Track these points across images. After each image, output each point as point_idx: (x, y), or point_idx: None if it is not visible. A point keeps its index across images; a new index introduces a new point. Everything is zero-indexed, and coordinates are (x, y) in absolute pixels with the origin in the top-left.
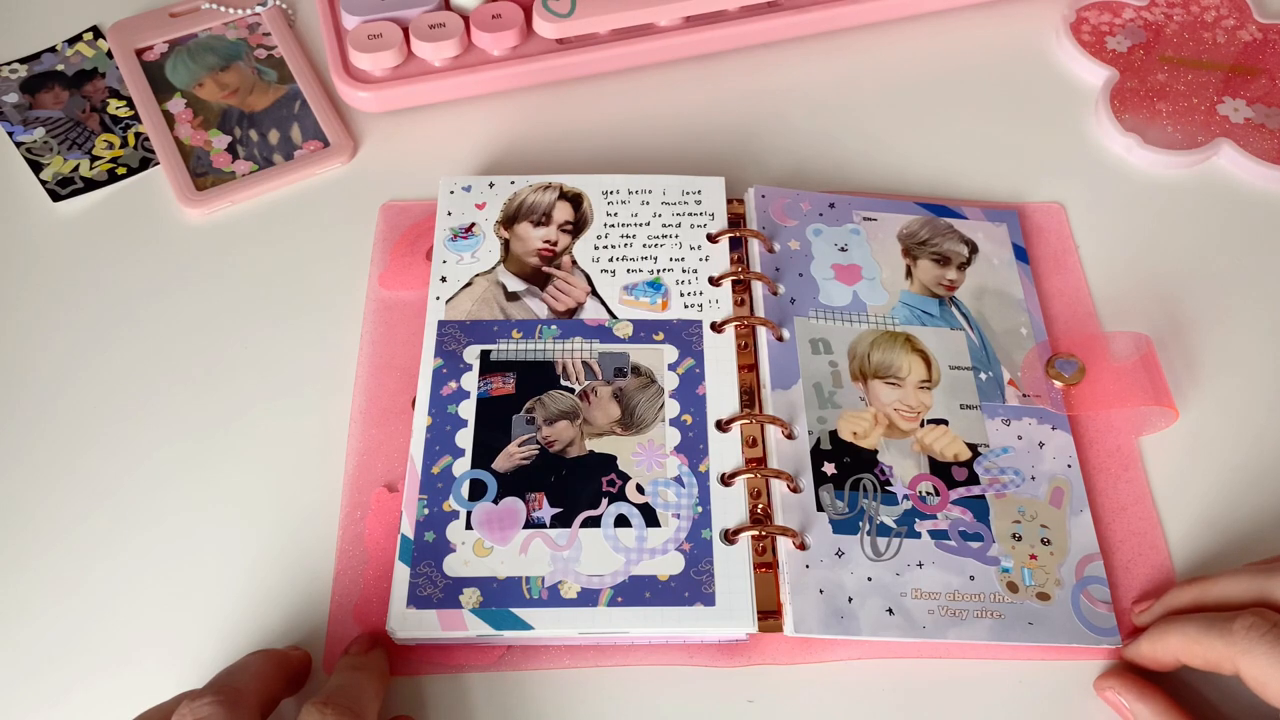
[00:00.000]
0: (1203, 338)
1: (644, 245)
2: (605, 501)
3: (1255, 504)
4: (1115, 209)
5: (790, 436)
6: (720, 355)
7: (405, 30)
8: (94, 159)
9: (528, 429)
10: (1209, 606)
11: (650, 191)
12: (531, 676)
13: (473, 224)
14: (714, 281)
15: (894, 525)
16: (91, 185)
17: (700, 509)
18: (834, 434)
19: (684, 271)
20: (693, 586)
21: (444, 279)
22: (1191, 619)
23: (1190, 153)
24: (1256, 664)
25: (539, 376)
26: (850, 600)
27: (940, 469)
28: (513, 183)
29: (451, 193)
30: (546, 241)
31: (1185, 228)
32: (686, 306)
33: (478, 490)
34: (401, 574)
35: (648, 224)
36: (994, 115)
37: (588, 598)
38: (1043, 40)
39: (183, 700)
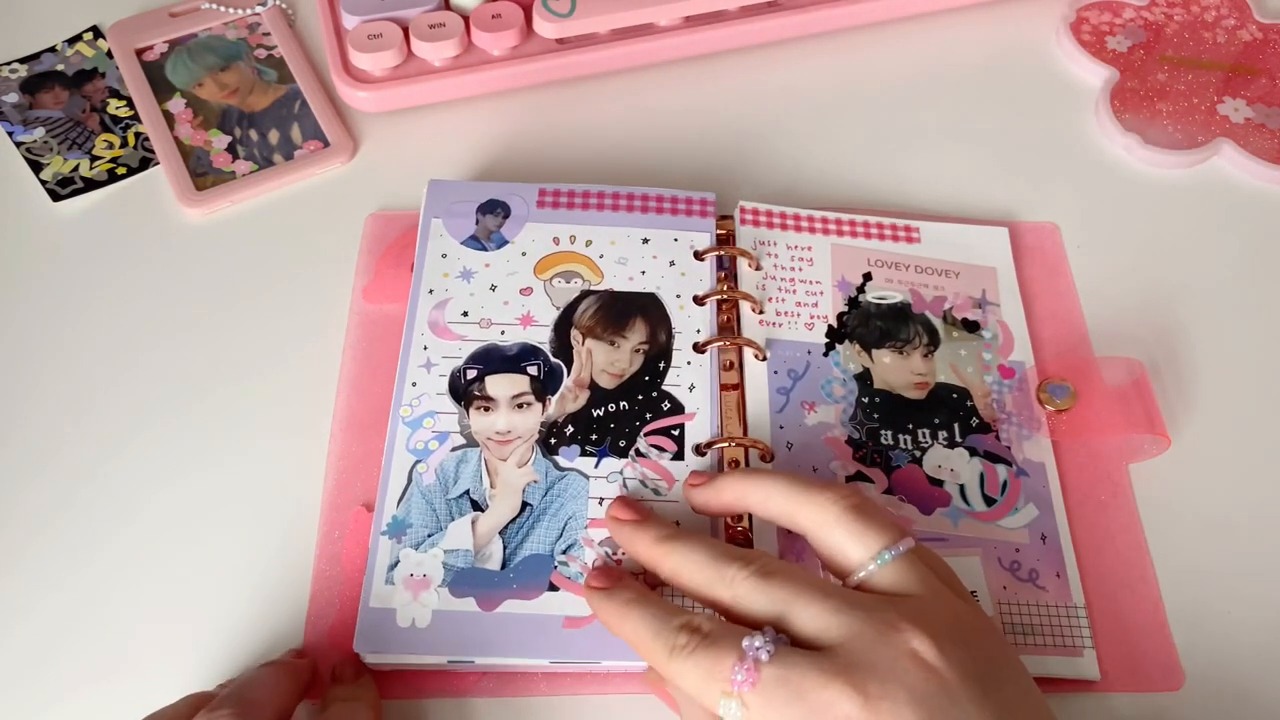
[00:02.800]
0: (1197, 349)
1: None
2: None
3: (1247, 530)
4: (1114, 210)
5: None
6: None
7: (405, 30)
8: (94, 159)
9: None
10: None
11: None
12: (508, 703)
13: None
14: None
15: None
16: (91, 185)
17: None
18: None
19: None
20: None
21: (431, 291)
22: (779, 476)
23: (1190, 152)
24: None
25: None
26: None
27: None
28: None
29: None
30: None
31: (1184, 229)
32: None
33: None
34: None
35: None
36: (993, 115)
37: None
38: (1043, 40)
39: (196, 706)
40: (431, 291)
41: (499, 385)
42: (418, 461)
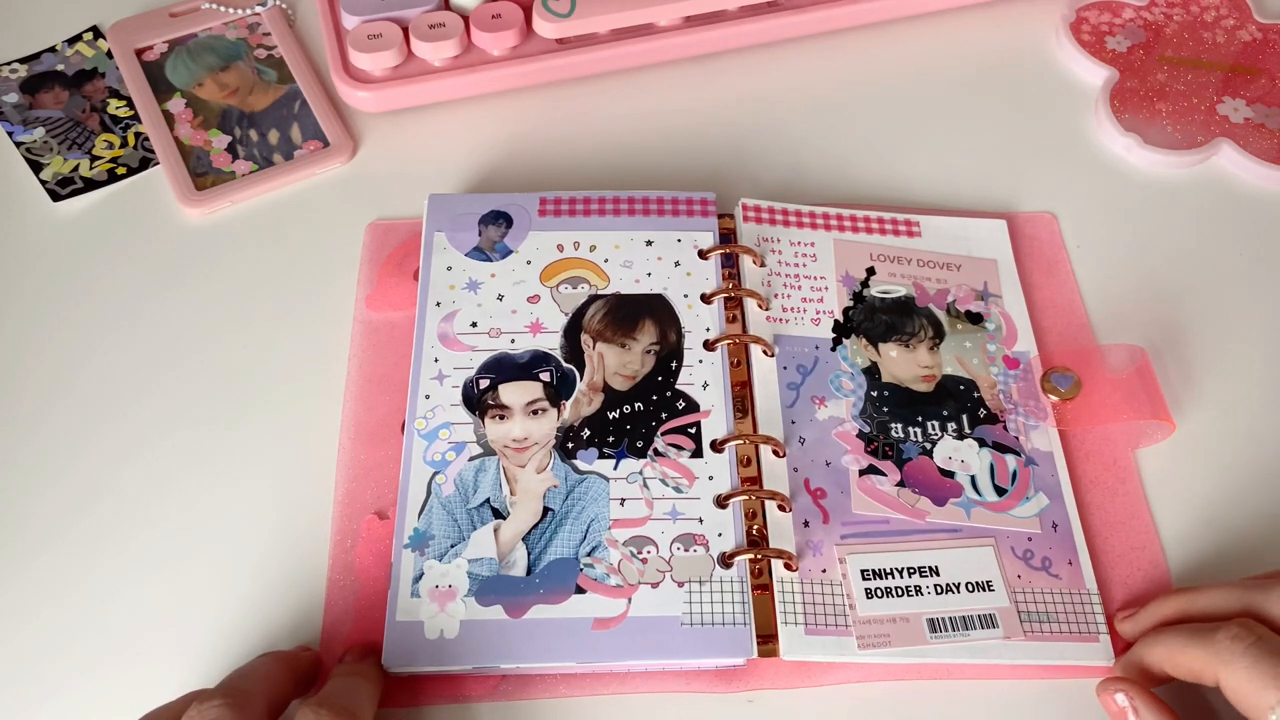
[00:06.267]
0: (1199, 342)
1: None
2: None
3: (1254, 514)
4: (1114, 209)
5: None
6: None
7: (405, 30)
8: (94, 159)
9: None
10: (1195, 617)
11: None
12: (529, 705)
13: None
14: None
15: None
16: (91, 185)
17: None
18: None
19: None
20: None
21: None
22: (1177, 629)
23: (1190, 153)
24: (1235, 675)
25: None
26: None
27: None
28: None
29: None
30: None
31: (1184, 229)
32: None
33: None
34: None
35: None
36: (993, 116)
37: None
38: (1042, 40)
39: (192, 701)
40: (439, 304)
41: (512, 393)
42: (436, 473)
